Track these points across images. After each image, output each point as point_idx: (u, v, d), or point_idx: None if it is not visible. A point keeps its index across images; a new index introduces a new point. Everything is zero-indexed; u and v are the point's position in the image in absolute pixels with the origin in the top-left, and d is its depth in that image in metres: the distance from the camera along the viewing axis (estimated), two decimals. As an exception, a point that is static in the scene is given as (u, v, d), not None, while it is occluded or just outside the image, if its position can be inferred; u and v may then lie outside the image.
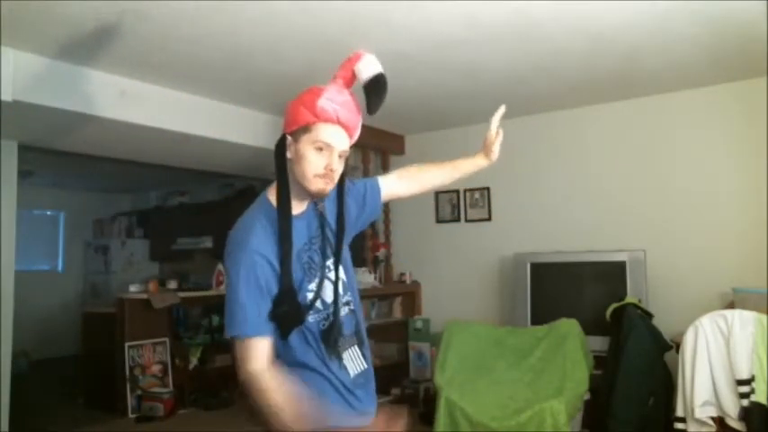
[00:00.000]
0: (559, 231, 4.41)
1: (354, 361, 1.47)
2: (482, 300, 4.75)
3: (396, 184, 1.69)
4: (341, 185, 1.49)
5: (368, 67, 1.47)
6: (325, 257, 1.43)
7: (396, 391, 4.75)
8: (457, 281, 4.91)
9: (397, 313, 5.02)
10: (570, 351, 3.40)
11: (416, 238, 5.16)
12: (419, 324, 4.84)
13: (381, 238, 5.10)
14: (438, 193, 5.03)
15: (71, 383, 5.47)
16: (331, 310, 1.42)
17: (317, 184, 1.36)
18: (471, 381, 3.49)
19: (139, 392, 4.67)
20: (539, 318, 3.97)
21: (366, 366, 1.50)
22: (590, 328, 3.61)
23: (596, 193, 4.31)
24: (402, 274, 5.08)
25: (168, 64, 3.32)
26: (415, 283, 5.07)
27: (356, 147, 4.97)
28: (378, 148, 5.09)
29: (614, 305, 3.52)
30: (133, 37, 2.92)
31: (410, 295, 5.05)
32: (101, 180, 7.32)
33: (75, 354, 6.10)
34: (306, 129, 1.36)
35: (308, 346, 1.39)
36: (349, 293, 1.49)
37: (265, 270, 1.32)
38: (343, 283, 1.46)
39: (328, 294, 1.42)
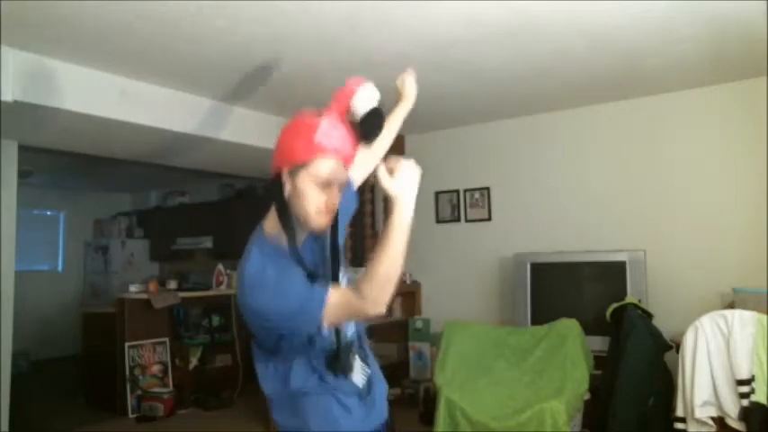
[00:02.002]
0: (559, 231, 4.42)
1: (361, 373, 1.49)
2: (482, 300, 4.74)
3: (359, 168, 1.67)
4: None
5: (363, 103, 1.48)
6: (327, 282, 1.43)
7: (396, 391, 4.75)
8: (457, 281, 4.91)
9: (397, 313, 5.02)
10: (570, 351, 3.41)
11: (416, 239, 5.08)
12: (419, 324, 4.84)
13: (381, 238, 5.09)
14: (438, 193, 5.03)
15: (71, 383, 5.47)
16: (334, 332, 1.43)
17: (318, 221, 1.35)
18: (471, 381, 3.49)
19: (139, 392, 4.67)
20: (539, 318, 3.97)
21: (370, 372, 1.53)
22: (590, 328, 3.61)
23: (596, 193, 4.31)
24: (402, 274, 5.06)
25: (168, 64, 3.32)
26: (415, 283, 5.07)
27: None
28: (378, 148, 5.08)
29: (614, 305, 3.52)
30: (133, 37, 2.92)
31: (410, 295, 5.05)
32: (101, 180, 7.32)
33: (75, 354, 6.10)
34: (303, 165, 1.32)
35: (311, 372, 1.41)
36: None
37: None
38: None
39: None
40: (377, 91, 1.53)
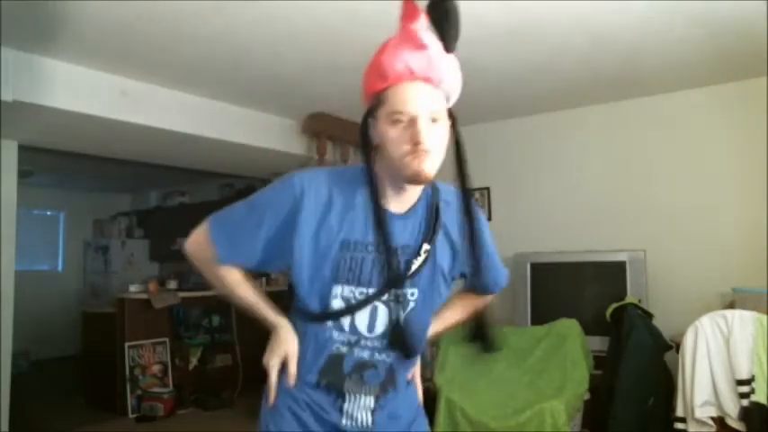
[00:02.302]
0: (559, 231, 4.41)
1: (360, 413, 1.20)
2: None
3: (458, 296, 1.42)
4: (465, 191, 1.17)
5: None
6: (398, 278, 1.13)
7: (396, 391, 4.75)
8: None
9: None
10: (570, 351, 3.41)
11: (416, 238, 5.14)
12: (419, 324, 4.83)
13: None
14: (438, 193, 5.03)
15: (71, 383, 5.47)
16: (356, 340, 1.16)
17: (408, 167, 1.07)
18: (471, 381, 3.49)
19: (139, 392, 4.67)
20: (539, 318, 3.97)
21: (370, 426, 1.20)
22: (590, 328, 3.61)
23: (596, 192, 4.31)
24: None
25: (169, 64, 3.32)
26: (415, 283, 5.06)
27: (356, 146, 4.99)
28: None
29: (614, 305, 3.52)
30: (133, 37, 2.92)
31: (410, 295, 5.04)
32: (101, 180, 7.32)
33: (75, 354, 6.10)
34: (380, 99, 1.10)
35: (314, 362, 1.18)
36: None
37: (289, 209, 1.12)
38: (403, 320, 1.16)
39: (364, 321, 1.16)
40: None
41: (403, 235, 1.15)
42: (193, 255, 1.24)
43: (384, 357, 1.18)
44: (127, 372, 4.67)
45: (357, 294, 1.13)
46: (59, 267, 7.87)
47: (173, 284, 5.57)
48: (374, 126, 1.11)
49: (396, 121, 1.07)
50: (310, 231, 1.12)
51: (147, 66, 3.35)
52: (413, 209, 1.17)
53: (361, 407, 1.19)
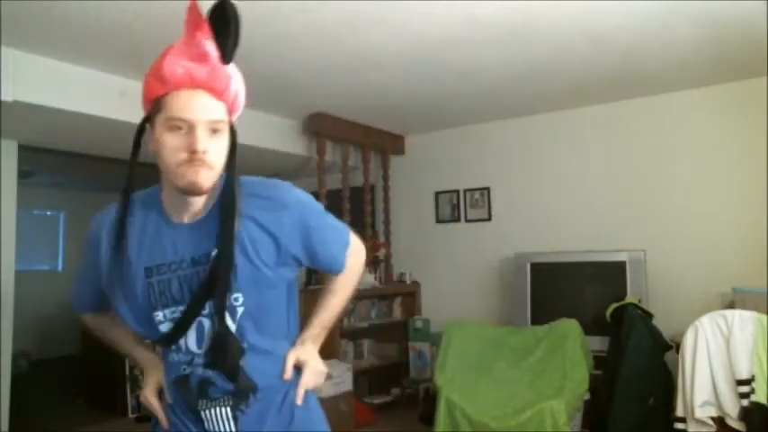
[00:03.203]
0: (559, 231, 4.41)
1: (220, 423, 1.16)
2: (482, 300, 4.74)
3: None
4: (230, 184, 1.11)
5: None
6: (207, 290, 1.10)
7: (396, 391, 4.76)
8: (457, 281, 4.91)
9: (397, 313, 5.02)
10: (570, 351, 3.41)
11: (416, 239, 5.16)
12: (419, 324, 4.84)
13: (381, 238, 5.10)
14: (438, 193, 5.03)
15: (71, 383, 5.47)
16: (191, 359, 1.16)
17: (183, 177, 1.04)
18: (471, 381, 3.49)
19: (139, 392, 4.67)
20: (539, 318, 3.97)
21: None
22: (590, 328, 3.61)
23: (596, 192, 4.31)
24: (402, 274, 5.07)
25: (168, 64, 3.32)
26: (415, 284, 5.06)
27: (356, 146, 5.00)
28: (378, 148, 5.09)
29: (614, 305, 3.52)
30: (133, 37, 2.92)
31: (410, 295, 5.05)
32: (101, 180, 7.31)
33: (75, 354, 6.09)
34: (159, 105, 1.06)
35: (170, 386, 1.20)
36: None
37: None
38: (231, 331, 1.13)
39: (193, 338, 1.14)
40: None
41: (200, 244, 1.12)
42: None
43: (216, 373, 1.15)
44: (127, 372, 4.66)
45: (178, 314, 1.13)
46: (59, 267, 7.86)
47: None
48: (151, 132, 1.09)
49: (173, 128, 1.04)
50: (111, 269, 1.16)
51: (147, 66, 3.33)
52: (208, 214, 1.14)
53: (221, 419, 1.17)
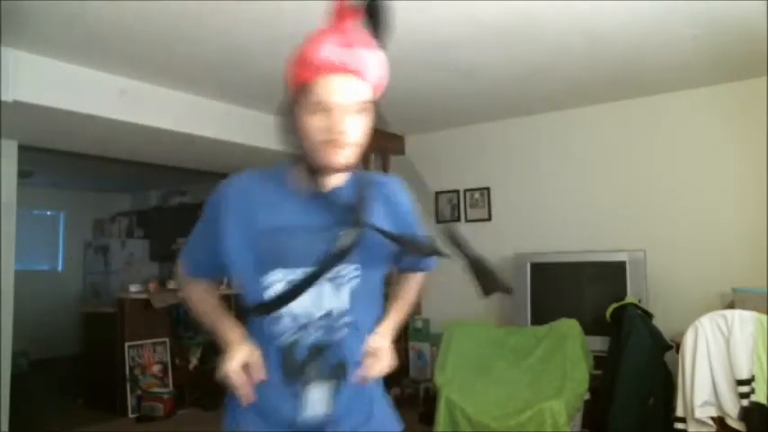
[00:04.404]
0: (559, 231, 4.41)
1: (316, 403, 1.17)
2: (482, 300, 4.72)
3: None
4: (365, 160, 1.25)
5: None
6: (339, 255, 1.13)
7: (396, 391, 4.75)
8: (457, 281, 4.89)
9: (397, 313, 5.02)
10: (570, 351, 3.41)
11: (416, 238, 5.14)
12: (419, 324, 4.84)
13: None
14: (438, 193, 5.03)
15: (71, 383, 5.47)
16: (304, 324, 1.16)
17: (326, 156, 1.10)
18: (471, 381, 3.49)
19: (139, 392, 4.67)
20: (539, 318, 3.97)
21: (330, 412, 1.17)
22: (590, 328, 3.61)
23: (596, 192, 4.31)
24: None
25: (168, 64, 3.32)
26: (415, 284, 5.05)
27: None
28: (378, 148, 5.09)
29: (614, 305, 3.52)
30: (133, 37, 2.92)
31: (410, 295, 5.04)
32: (101, 180, 7.32)
33: (75, 354, 6.10)
34: (305, 90, 1.11)
35: (266, 357, 1.18)
36: (348, 315, 1.18)
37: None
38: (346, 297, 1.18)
39: (312, 301, 1.15)
40: None
41: (329, 213, 1.16)
42: (178, 276, 1.39)
43: (336, 336, 1.17)
44: (127, 372, 4.67)
45: (299, 275, 1.13)
46: (59, 267, 7.87)
47: (173, 284, 5.56)
48: (298, 114, 1.13)
49: (319, 111, 1.09)
50: (236, 228, 1.17)
51: (147, 66, 3.35)
52: (341, 186, 1.20)
53: (317, 399, 1.16)
